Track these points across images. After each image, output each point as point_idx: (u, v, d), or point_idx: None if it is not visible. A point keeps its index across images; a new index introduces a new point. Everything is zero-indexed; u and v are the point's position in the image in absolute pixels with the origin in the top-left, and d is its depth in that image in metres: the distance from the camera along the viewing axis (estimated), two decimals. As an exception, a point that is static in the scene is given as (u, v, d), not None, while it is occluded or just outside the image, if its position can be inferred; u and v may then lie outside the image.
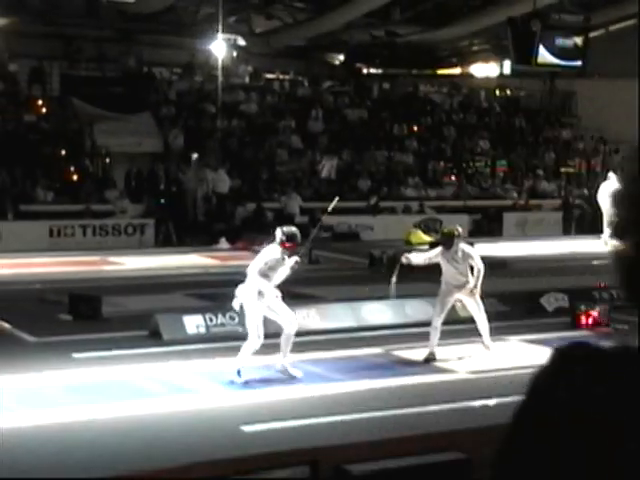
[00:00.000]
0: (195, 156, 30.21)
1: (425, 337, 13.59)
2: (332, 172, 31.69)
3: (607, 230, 26.11)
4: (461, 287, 13.32)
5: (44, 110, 31.37)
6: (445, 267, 13.26)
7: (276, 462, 8.11)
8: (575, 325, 15.41)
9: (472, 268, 13.24)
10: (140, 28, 34.50)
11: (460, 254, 13.28)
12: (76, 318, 15.34)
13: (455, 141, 36.06)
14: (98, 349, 13.23)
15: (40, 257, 23.22)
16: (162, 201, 27.58)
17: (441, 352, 13.28)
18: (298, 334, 13.57)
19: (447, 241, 13.40)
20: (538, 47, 22.60)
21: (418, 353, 13.21)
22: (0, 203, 26.43)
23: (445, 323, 13.32)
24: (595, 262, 23.07)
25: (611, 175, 26.32)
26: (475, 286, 13.19)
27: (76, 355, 12.90)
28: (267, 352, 12.20)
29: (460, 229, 13.95)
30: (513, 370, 12.42)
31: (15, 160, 27.62)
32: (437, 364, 12.73)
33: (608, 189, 25.41)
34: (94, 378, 11.72)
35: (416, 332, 14.63)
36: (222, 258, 24.01)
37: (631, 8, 39.46)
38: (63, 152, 29.36)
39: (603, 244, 25.50)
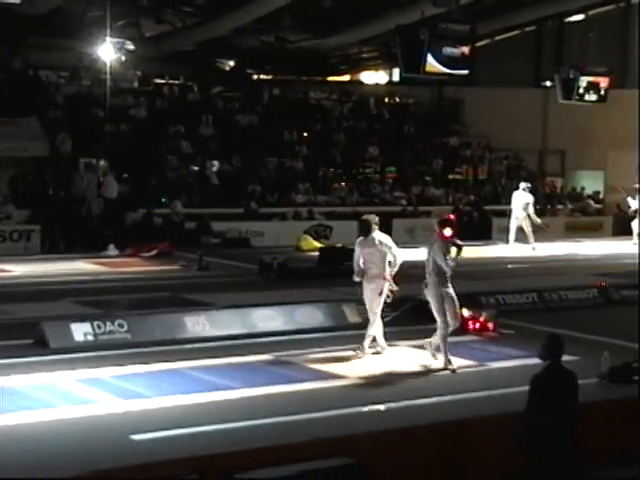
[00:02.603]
0: (83, 161, 29.76)
1: (314, 343, 13.67)
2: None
3: (513, 235, 29.01)
4: (374, 278, 13.52)
5: None
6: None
7: (165, 470, 8.05)
8: (463, 330, 15.62)
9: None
10: (27, 30, 33.88)
11: (377, 242, 13.59)
12: (-41, 326, 14.98)
13: (345, 147, 36.30)
14: (-18, 358, 12.94)
15: None
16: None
17: (330, 358, 13.37)
18: (189, 341, 13.55)
19: (364, 228, 13.69)
20: (426, 55, 22.85)
21: (309, 359, 13.25)
22: None
23: (335, 329, 13.48)
24: (482, 268, 23.53)
25: (522, 184, 29.23)
26: (390, 275, 13.48)
27: (-41, 364, 12.61)
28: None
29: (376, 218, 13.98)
30: (404, 376, 12.58)
31: None
32: (327, 370, 12.76)
33: (518, 198, 28.88)
34: (-22, 388, 11.45)
35: (305, 338, 14.71)
36: (111, 264, 23.72)
37: (516, 18, 40.43)
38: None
39: (512, 248, 28.22)
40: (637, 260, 22.57)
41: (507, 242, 29.16)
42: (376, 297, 13.67)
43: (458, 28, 23.79)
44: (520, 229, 28.80)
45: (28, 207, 27.42)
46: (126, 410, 10.68)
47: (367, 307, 13.88)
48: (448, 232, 13.21)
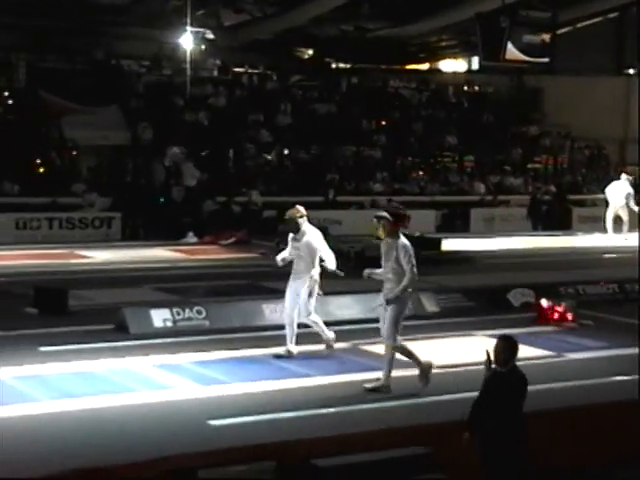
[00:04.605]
0: (164, 149, 30.08)
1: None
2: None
3: (611, 225, 28.57)
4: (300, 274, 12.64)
5: (10, 102, 31.16)
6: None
7: (243, 456, 8.11)
8: (541, 320, 15.51)
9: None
10: (108, 20, 34.29)
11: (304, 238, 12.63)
12: (42, 311, 15.26)
13: (423, 136, 36.14)
14: (64, 343, 13.17)
15: (6, 250, 23.06)
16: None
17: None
18: (266, 329, 13.61)
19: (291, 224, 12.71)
20: (506, 43, 22.70)
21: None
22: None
23: (412, 317, 13.32)
24: (562, 258, 23.28)
25: (624, 175, 28.97)
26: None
27: (42, 349, 12.84)
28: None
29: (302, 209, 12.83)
30: (480, 365, 12.48)
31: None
32: (404, 358, 12.73)
33: (617, 188, 28.47)
34: (60, 371, 11.66)
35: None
36: (189, 252, 23.95)
37: (598, 5, 39.77)
38: (30, 145, 29.12)
39: (623, 239, 27.61)
40: None
41: (605, 232, 28.64)
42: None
43: (539, 15, 23.58)
44: (617, 218, 28.38)
45: (109, 195, 27.80)
46: (204, 396, 10.80)
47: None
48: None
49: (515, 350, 7.46)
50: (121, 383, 11.21)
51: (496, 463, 7.27)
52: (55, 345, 13.03)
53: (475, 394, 7.62)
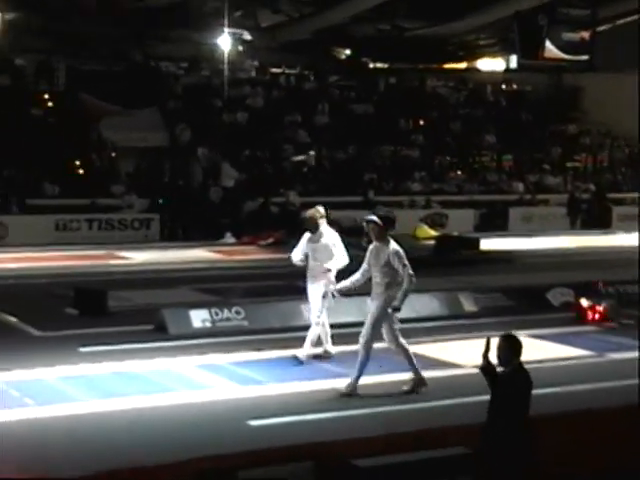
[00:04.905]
0: (201, 150, 30.20)
1: (430, 332, 13.59)
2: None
3: None
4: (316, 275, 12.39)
5: (50, 104, 31.42)
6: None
7: (282, 457, 8.12)
8: (581, 320, 15.40)
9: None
10: (147, 22, 34.49)
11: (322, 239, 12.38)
12: (82, 312, 15.37)
13: (461, 135, 36.02)
14: (104, 343, 13.25)
15: (46, 251, 23.25)
16: (160, 201, 27.57)
17: (447, 347, 13.28)
18: (305, 329, 13.57)
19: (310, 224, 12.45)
20: (545, 41, 22.58)
21: (425, 348, 13.19)
22: (7, 197, 26.48)
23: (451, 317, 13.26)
24: (601, 257, 23.09)
25: None
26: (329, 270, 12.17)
27: (82, 349, 12.93)
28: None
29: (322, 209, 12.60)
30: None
31: (22, 154, 27.65)
32: (443, 358, 12.68)
33: None
34: (100, 372, 11.73)
35: (421, 327, 14.63)
36: (228, 252, 24.02)
37: (637, 2, 39.40)
38: (69, 146, 29.35)
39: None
40: None
41: None
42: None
43: (578, 13, 23.48)
44: None
45: (148, 196, 27.94)
46: (243, 396, 10.81)
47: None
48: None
49: (517, 349, 7.20)
50: (160, 383, 11.26)
51: (500, 464, 7.15)
52: (95, 345, 13.11)
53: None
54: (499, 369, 7.22)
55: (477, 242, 24.71)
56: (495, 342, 7.17)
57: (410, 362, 11.14)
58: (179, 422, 9.78)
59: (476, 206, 31.72)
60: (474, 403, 10.68)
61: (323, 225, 12.52)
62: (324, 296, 12.31)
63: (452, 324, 14.96)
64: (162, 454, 8.48)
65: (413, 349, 12.58)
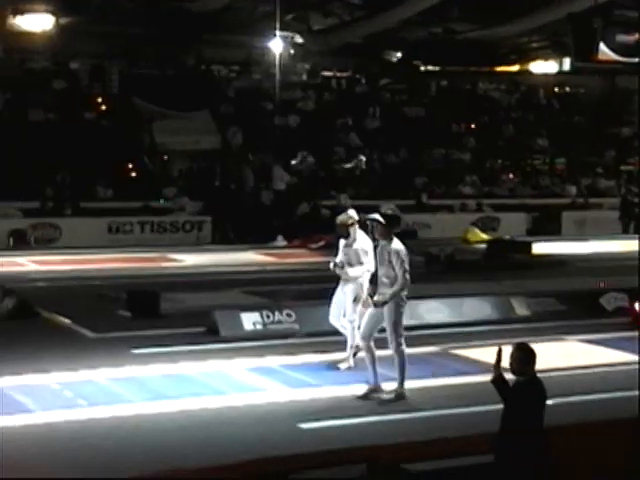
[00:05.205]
0: (253, 154, 30.32)
1: (481, 336, 13.50)
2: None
3: None
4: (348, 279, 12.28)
5: (104, 108, 31.73)
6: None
7: (333, 460, 8.11)
8: (635, 325, 15.22)
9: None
10: (199, 27, 34.70)
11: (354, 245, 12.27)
12: (135, 314, 15.49)
13: (513, 138, 35.83)
14: (157, 345, 13.34)
15: (99, 254, 23.47)
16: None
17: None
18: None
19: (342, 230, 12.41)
20: (599, 44, 22.35)
21: (476, 352, 13.12)
22: (60, 200, 26.78)
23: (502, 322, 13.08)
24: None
25: None
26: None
27: (135, 351, 13.03)
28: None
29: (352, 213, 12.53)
30: (571, 370, 12.31)
31: (75, 157, 27.94)
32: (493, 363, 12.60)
33: None
34: (152, 374, 11.81)
35: (472, 331, 14.59)
36: (279, 255, 24.08)
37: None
38: (122, 150, 29.62)
39: None
40: None
41: None
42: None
43: (633, 15, 23.14)
44: None
45: (200, 199, 28.10)
46: (294, 399, 10.83)
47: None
48: None
49: (531, 359, 7.00)
50: (212, 385, 11.31)
51: (513, 475, 7.03)
52: (147, 347, 13.20)
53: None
54: (512, 378, 7.05)
55: (529, 246, 24.56)
56: (508, 351, 7.03)
57: (372, 365, 10.91)
58: (229, 424, 9.81)
59: (528, 210, 31.53)
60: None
61: (356, 230, 12.42)
62: (355, 299, 12.18)
63: (504, 328, 14.85)
64: (212, 457, 8.51)
65: (465, 353, 12.54)
